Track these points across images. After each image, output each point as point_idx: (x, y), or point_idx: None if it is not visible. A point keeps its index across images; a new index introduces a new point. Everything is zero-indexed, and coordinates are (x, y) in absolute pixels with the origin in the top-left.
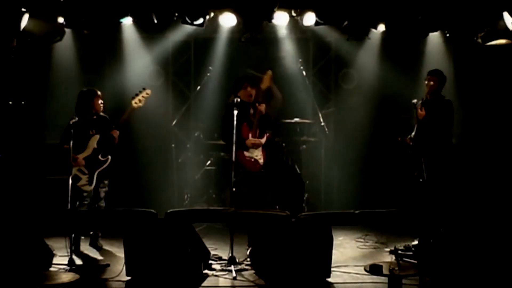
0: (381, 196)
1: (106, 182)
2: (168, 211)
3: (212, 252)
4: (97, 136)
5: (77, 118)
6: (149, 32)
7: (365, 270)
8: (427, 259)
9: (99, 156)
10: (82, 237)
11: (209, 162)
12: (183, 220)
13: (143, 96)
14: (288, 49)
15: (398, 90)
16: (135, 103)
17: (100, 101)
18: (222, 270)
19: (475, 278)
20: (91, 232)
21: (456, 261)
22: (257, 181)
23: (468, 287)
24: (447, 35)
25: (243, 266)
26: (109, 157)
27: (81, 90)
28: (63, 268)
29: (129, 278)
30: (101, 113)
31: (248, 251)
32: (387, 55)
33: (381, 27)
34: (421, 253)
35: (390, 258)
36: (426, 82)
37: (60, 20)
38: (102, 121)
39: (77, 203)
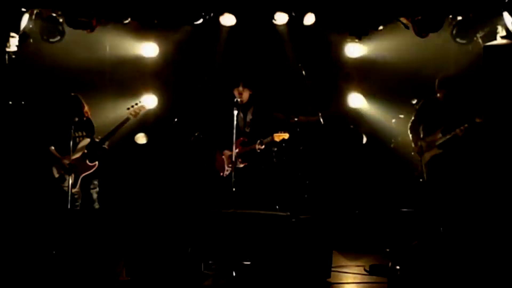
0: (381, 196)
1: (96, 182)
2: (169, 211)
3: (213, 252)
4: (88, 140)
5: (76, 119)
6: (149, 32)
7: (365, 270)
8: (426, 259)
9: (87, 161)
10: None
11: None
12: (183, 220)
13: (139, 109)
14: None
15: (398, 90)
16: (131, 114)
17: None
18: (222, 270)
19: (474, 278)
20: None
21: (455, 261)
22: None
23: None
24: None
25: (243, 266)
26: (97, 163)
27: (71, 95)
28: (63, 268)
29: (129, 278)
30: (89, 116)
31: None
32: (387, 55)
33: (381, 27)
34: (421, 254)
35: (390, 258)
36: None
37: (60, 20)
38: (89, 125)
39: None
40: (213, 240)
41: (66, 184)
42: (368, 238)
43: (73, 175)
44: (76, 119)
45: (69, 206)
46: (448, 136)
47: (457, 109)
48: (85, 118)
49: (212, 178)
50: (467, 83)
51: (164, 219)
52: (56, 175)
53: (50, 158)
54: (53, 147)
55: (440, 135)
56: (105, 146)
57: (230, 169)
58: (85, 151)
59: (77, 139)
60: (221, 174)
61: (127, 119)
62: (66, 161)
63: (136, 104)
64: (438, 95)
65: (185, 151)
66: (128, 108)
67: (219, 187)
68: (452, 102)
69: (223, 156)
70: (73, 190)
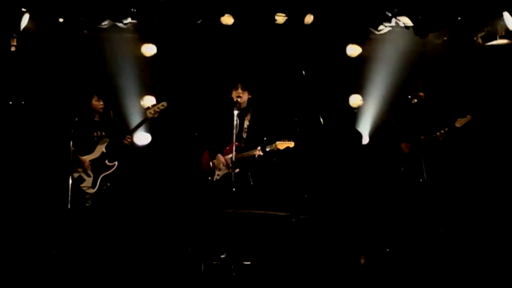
0: (381, 196)
1: (109, 184)
2: (169, 211)
3: (213, 252)
4: (107, 140)
5: (76, 119)
6: (149, 32)
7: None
8: (427, 258)
9: (106, 161)
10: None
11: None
12: (183, 220)
13: (158, 108)
14: (289, 49)
15: (398, 90)
16: (150, 113)
17: (97, 101)
18: (222, 270)
19: (474, 278)
20: (94, 236)
21: (455, 261)
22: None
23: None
24: (447, 35)
25: (243, 266)
26: (116, 162)
27: (82, 91)
28: (63, 268)
29: (130, 278)
30: (107, 116)
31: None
32: (387, 55)
33: (381, 27)
34: (421, 254)
35: (390, 258)
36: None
37: (60, 20)
38: (110, 124)
39: (79, 204)
40: (213, 240)
41: (85, 185)
42: (368, 238)
43: (92, 175)
44: (76, 119)
45: (69, 206)
46: (429, 139)
47: (438, 112)
48: (104, 115)
49: (203, 180)
50: (450, 84)
51: (165, 219)
52: (75, 176)
53: (70, 158)
54: (72, 148)
55: (422, 136)
56: (127, 140)
57: (221, 174)
58: (104, 151)
59: (95, 139)
60: (210, 178)
61: (147, 118)
62: (86, 161)
63: (156, 103)
64: (421, 94)
65: (185, 151)
66: (148, 108)
67: (211, 189)
68: (433, 104)
69: (215, 160)
70: (91, 191)
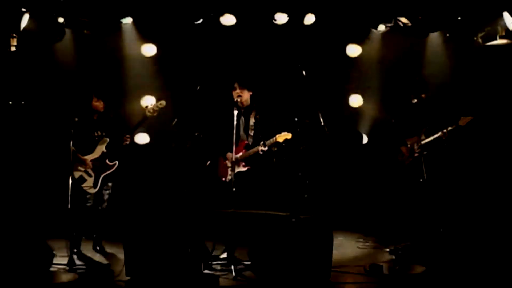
0: (381, 197)
1: (110, 184)
2: (168, 210)
3: (212, 252)
4: (107, 140)
5: (76, 119)
6: (149, 32)
7: (365, 270)
8: (427, 258)
9: (107, 160)
10: (83, 238)
11: (208, 162)
12: (183, 220)
13: (157, 106)
14: (289, 49)
15: (398, 90)
16: (149, 112)
17: (97, 102)
18: (222, 270)
19: (474, 277)
20: (94, 235)
21: (455, 261)
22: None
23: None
24: (447, 35)
25: (243, 266)
26: (117, 162)
27: (82, 91)
28: (63, 268)
29: (129, 278)
30: (106, 115)
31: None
32: (387, 56)
33: (381, 27)
34: (421, 253)
35: (390, 258)
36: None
37: (60, 20)
38: (109, 124)
39: (80, 204)
40: (213, 240)
41: (86, 185)
42: (368, 237)
43: (93, 175)
44: (76, 119)
45: (69, 206)
46: (431, 138)
47: (440, 111)
48: (103, 115)
49: (214, 183)
50: (451, 84)
51: (165, 219)
52: (76, 176)
53: (71, 158)
54: (73, 148)
55: (423, 136)
56: (126, 139)
57: (233, 172)
58: (104, 150)
59: (96, 139)
60: (223, 179)
61: (146, 117)
62: (87, 161)
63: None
64: (423, 96)
65: (185, 152)
66: (147, 107)
67: (220, 190)
68: (435, 103)
69: (227, 161)
70: (93, 191)
